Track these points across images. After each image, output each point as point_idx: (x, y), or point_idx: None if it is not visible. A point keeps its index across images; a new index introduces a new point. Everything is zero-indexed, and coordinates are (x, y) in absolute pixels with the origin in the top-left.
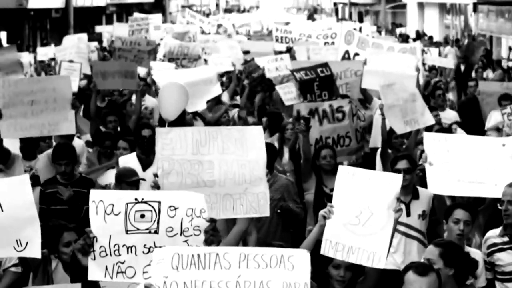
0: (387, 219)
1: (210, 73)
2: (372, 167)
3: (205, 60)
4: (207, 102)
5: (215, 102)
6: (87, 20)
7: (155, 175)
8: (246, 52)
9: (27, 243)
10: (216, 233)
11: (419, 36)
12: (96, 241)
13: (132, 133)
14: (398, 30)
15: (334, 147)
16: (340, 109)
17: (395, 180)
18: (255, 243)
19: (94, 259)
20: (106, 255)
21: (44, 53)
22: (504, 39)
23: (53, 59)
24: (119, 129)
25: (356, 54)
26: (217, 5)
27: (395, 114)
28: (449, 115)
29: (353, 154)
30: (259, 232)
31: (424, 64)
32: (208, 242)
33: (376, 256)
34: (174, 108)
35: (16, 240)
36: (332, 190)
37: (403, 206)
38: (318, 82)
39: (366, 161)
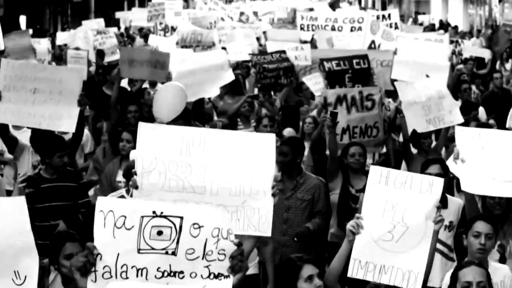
0: (425, 232)
1: (221, 58)
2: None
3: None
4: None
5: (225, 90)
6: (108, 5)
7: (134, 173)
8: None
9: (25, 277)
10: (244, 259)
11: (442, 25)
12: (100, 259)
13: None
14: (420, 18)
15: (361, 137)
16: (370, 97)
17: (436, 185)
18: (271, 254)
19: (95, 280)
20: (111, 277)
21: (64, 38)
22: None
23: (65, 45)
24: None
25: (380, 44)
26: None
27: (416, 112)
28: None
29: (380, 146)
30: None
31: (459, 55)
32: (234, 270)
33: (412, 275)
34: (169, 110)
35: (14, 272)
36: (358, 191)
37: None
38: (351, 74)
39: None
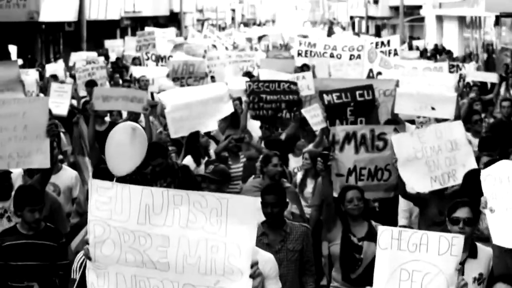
0: None
1: (221, 90)
2: None
3: (212, 78)
4: (220, 122)
5: (227, 123)
6: (101, 34)
7: (86, 242)
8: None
9: None
10: None
11: (437, 50)
12: None
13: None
14: (415, 43)
15: (369, 180)
16: (382, 136)
17: (456, 244)
18: None
19: None
20: None
21: (54, 69)
22: None
23: (54, 76)
24: None
25: (379, 73)
26: (233, 19)
27: (418, 169)
28: None
29: (392, 191)
30: None
31: (462, 80)
32: None
33: None
34: (125, 160)
35: None
36: (361, 239)
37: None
38: (353, 107)
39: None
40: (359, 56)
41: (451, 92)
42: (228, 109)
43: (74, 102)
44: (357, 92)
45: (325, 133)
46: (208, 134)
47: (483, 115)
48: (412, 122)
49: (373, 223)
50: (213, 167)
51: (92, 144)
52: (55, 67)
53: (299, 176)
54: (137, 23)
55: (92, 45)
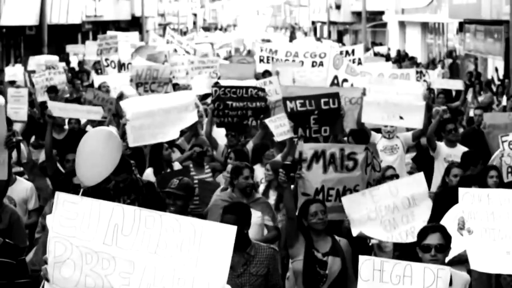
0: None
1: (186, 99)
2: None
3: (174, 85)
4: (183, 132)
5: (193, 132)
6: (62, 38)
7: (45, 261)
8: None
9: None
10: None
11: (400, 56)
12: None
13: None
14: (377, 49)
15: (337, 201)
16: (352, 156)
17: (442, 276)
18: None
19: None
20: None
21: (13, 73)
22: (491, 60)
23: (13, 82)
24: None
25: (345, 80)
26: (195, 23)
27: (370, 229)
28: (461, 153)
29: None
30: None
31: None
32: None
33: None
34: (95, 169)
35: None
36: (325, 254)
37: None
38: (317, 115)
39: None
40: (321, 64)
41: (419, 100)
42: (192, 118)
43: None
44: (322, 100)
45: (292, 143)
46: (172, 142)
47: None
48: (378, 130)
49: (337, 237)
50: (178, 181)
51: (49, 153)
52: (14, 71)
53: (261, 188)
54: (99, 27)
55: (54, 49)
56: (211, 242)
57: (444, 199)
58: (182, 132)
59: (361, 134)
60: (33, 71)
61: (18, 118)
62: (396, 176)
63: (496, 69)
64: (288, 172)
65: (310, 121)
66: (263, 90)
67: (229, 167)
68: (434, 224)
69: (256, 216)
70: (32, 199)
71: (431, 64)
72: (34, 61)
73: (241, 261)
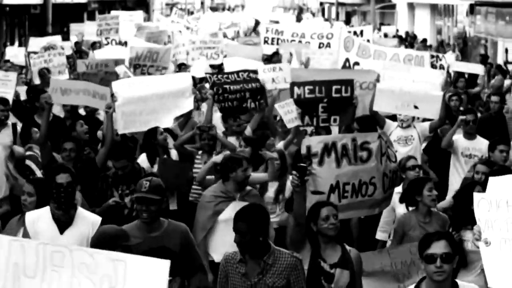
0: None
1: (183, 83)
2: None
3: (180, 66)
4: (178, 118)
5: (187, 118)
6: (67, 17)
7: None
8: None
9: None
10: None
11: (408, 37)
12: None
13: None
14: (385, 29)
15: (354, 197)
16: (365, 146)
17: None
18: None
19: None
20: None
21: (13, 54)
22: (501, 42)
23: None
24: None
25: (356, 63)
26: (202, 3)
27: (381, 279)
28: (481, 145)
29: (377, 207)
30: None
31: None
32: None
33: None
34: None
35: None
36: (333, 266)
37: None
38: (326, 103)
39: None
40: (328, 45)
41: (436, 90)
42: (188, 105)
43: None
44: (334, 87)
45: (298, 132)
46: (167, 128)
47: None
48: (393, 118)
49: (347, 247)
50: (148, 183)
51: (44, 141)
52: (15, 52)
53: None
54: (105, 6)
55: (58, 29)
56: (139, 280)
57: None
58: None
59: (368, 122)
60: (35, 52)
61: None
62: (418, 167)
63: (506, 50)
64: (301, 174)
65: (318, 109)
66: (255, 71)
67: (217, 158)
68: (438, 231)
69: None
70: (2, 188)
71: (440, 46)
72: (36, 42)
73: (257, 269)
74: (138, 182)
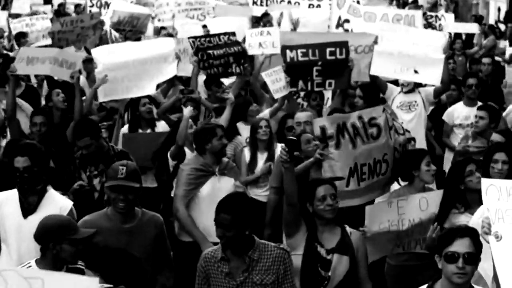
0: None
1: (165, 48)
2: None
3: (161, 30)
4: (160, 84)
5: (171, 84)
6: None
7: None
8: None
9: None
10: None
11: None
12: None
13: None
14: None
15: (371, 178)
16: (373, 122)
17: None
18: None
19: None
20: None
21: None
22: (493, 2)
23: None
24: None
25: (346, 20)
26: None
27: (383, 238)
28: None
29: (388, 186)
30: None
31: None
32: None
33: None
34: None
35: None
36: (330, 251)
37: None
38: (321, 66)
39: None
40: (319, 6)
41: (438, 53)
42: (171, 71)
43: None
44: (328, 50)
45: (287, 99)
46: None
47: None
48: (396, 83)
49: (348, 229)
50: (124, 168)
51: (12, 114)
52: None
53: (246, 150)
54: None
55: None
56: None
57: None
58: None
59: (372, 88)
60: (18, 15)
61: None
62: (414, 140)
63: (499, 9)
64: (291, 149)
65: (312, 72)
66: (233, 33)
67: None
68: (462, 226)
69: (231, 183)
70: None
71: (434, 7)
72: (19, 4)
73: (241, 267)
74: (110, 165)
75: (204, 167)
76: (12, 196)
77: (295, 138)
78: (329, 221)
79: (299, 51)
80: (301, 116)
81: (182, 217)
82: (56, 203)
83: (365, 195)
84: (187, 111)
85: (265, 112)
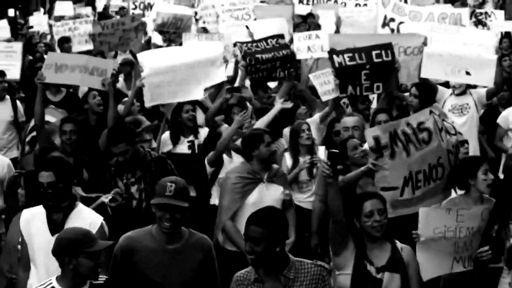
0: None
1: (214, 52)
2: None
3: (204, 29)
4: (207, 89)
5: (219, 89)
6: None
7: None
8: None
9: None
10: None
11: None
12: None
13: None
14: None
15: (426, 185)
16: (422, 127)
17: None
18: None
19: None
20: None
21: (37, 22)
22: None
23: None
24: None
25: (392, 19)
26: None
27: (438, 248)
28: None
29: (446, 191)
30: None
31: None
32: None
33: None
34: None
35: None
36: (380, 269)
37: None
38: (368, 70)
39: None
40: (365, 5)
41: (490, 53)
42: (219, 75)
43: None
44: (374, 52)
45: (336, 104)
46: (196, 101)
47: None
48: (446, 85)
49: (398, 244)
50: (173, 185)
51: (41, 123)
52: (39, 20)
53: (288, 157)
54: None
55: None
56: None
57: None
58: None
59: (427, 87)
60: (62, 17)
61: (10, 77)
62: (466, 142)
63: None
64: (334, 163)
65: (361, 77)
66: (282, 36)
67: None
68: None
69: (279, 191)
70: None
71: (482, 4)
72: (63, 6)
73: (278, 286)
74: (147, 171)
75: (251, 174)
76: (39, 212)
77: (337, 151)
78: (376, 238)
79: (345, 55)
80: (348, 121)
81: (227, 227)
82: (85, 219)
83: (420, 202)
84: (237, 120)
85: (315, 117)
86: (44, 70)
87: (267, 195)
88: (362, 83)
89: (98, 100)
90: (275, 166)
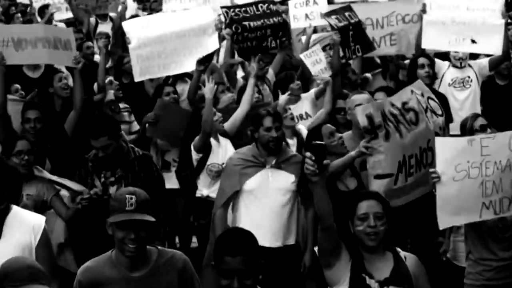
0: None
1: (204, 19)
2: None
3: None
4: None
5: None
6: None
7: None
8: None
9: None
10: None
11: None
12: None
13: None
14: None
15: (418, 171)
16: (406, 106)
17: None
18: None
19: None
20: None
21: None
22: None
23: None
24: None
25: None
26: None
27: (463, 191)
28: None
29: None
30: None
31: None
32: None
33: None
34: None
35: None
36: (383, 284)
37: None
38: (352, 31)
39: None
40: None
41: (496, 18)
42: (212, 44)
43: None
44: (346, 14)
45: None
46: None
47: None
48: (443, 57)
49: (401, 253)
50: (133, 197)
51: (3, 111)
52: None
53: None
54: None
55: None
56: None
57: None
58: None
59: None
60: None
61: None
62: (488, 126)
63: None
64: (319, 157)
65: (349, 38)
66: (273, 2)
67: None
68: None
69: (288, 180)
70: None
71: None
72: None
73: None
74: (129, 171)
75: (255, 157)
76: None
77: (322, 142)
78: (374, 248)
79: (333, 17)
80: (358, 98)
81: (215, 217)
82: (26, 222)
83: (412, 191)
84: (208, 88)
85: (310, 92)
86: (2, 49)
87: (271, 182)
88: (350, 45)
89: (64, 84)
90: (290, 151)
